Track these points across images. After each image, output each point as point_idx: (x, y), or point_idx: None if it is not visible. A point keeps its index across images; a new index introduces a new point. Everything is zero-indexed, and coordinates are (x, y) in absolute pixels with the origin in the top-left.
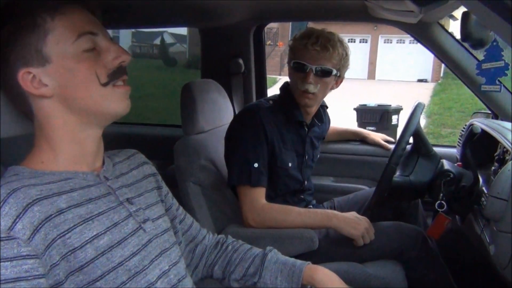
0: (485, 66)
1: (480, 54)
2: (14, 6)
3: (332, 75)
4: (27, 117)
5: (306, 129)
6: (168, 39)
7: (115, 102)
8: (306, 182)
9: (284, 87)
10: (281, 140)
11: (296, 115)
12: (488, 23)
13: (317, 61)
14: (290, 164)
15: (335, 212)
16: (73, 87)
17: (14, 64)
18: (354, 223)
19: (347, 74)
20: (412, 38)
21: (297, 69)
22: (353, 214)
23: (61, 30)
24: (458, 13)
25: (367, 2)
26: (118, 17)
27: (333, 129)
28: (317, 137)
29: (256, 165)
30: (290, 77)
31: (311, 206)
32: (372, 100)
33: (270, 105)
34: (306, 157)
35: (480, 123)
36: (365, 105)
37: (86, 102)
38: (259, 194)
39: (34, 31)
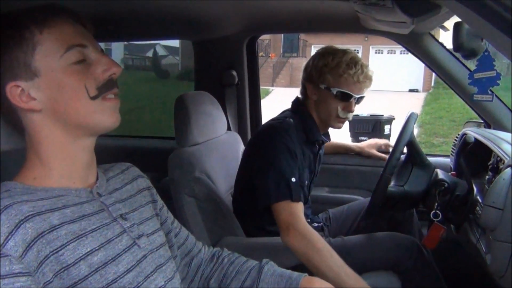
0: (477, 75)
1: (471, 64)
2: (1, 19)
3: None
4: (18, 131)
5: (318, 147)
6: (161, 51)
7: (104, 115)
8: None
9: (298, 104)
10: (303, 158)
11: (317, 136)
12: (481, 32)
13: (360, 91)
14: (306, 182)
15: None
16: (62, 100)
17: (2, 78)
18: None
19: None
20: (403, 49)
21: (340, 97)
22: None
23: (49, 43)
24: (449, 23)
25: (359, 13)
26: (112, 30)
27: (329, 143)
28: (320, 160)
29: (293, 179)
30: (322, 100)
31: (309, 220)
32: (364, 110)
33: (292, 123)
34: (314, 173)
35: (473, 132)
36: (357, 115)
37: (75, 116)
38: (300, 209)
39: (22, 45)
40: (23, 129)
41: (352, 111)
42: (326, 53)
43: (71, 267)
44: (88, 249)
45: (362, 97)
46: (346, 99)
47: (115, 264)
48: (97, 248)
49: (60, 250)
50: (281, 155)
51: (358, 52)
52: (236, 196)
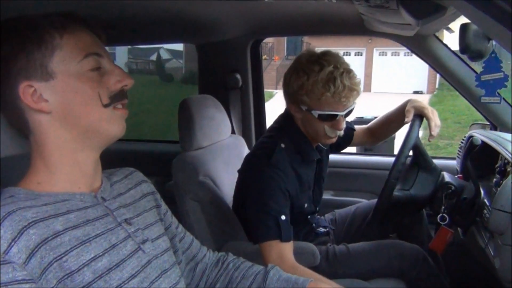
0: (484, 77)
1: (477, 66)
2: (20, 20)
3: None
4: (23, 135)
5: (316, 163)
6: (164, 55)
7: (114, 124)
8: (318, 208)
9: (287, 117)
10: (298, 183)
11: (312, 155)
12: (490, 33)
13: (346, 106)
14: (306, 205)
15: None
16: (75, 105)
17: (16, 76)
18: None
19: None
20: (407, 51)
21: (325, 118)
22: None
23: (68, 48)
24: (454, 25)
25: (363, 16)
26: (116, 33)
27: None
28: (326, 163)
29: (283, 217)
30: (306, 121)
31: (314, 225)
32: (369, 113)
33: (283, 148)
34: (317, 186)
35: (480, 134)
36: (362, 117)
37: (85, 121)
38: (289, 249)
39: (41, 46)
40: (29, 132)
41: (340, 129)
42: (301, 72)
43: (75, 273)
44: (92, 255)
45: (351, 110)
46: (332, 119)
47: (119, 269)
48: (101, 254)
49: (64, 256)
50: (271, 194)
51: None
52: (236, 200)
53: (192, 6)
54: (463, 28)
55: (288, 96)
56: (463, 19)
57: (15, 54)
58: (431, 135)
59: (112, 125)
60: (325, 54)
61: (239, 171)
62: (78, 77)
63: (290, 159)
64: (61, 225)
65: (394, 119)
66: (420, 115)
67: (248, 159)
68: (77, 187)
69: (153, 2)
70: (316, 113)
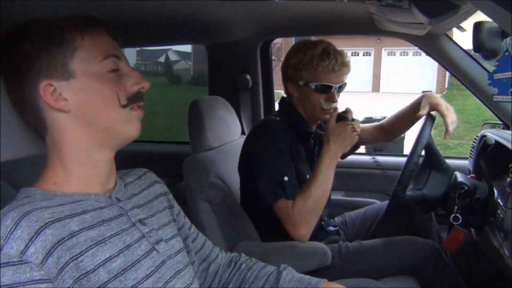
0: (497, 76)
1: (489, 65)
2: (42, 21)
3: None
4: (40, 135)
5: (313, 141)
6: (173, 57)
7: (130, 124)
8: None
9: (284, 102)
10: (296, 152)
11: (306, 128)
12: (508, 28)
13: (339, 79)
14: (308, 176)
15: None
16: (93, 104)
17: (37, 75)
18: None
19: (352, 87)
20: (415, 50)
21: (321, 90)
22: None
23: (89, 49)
24: (465, 24)
25: (374, 15)
26: (127, 35)
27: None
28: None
29: (286, 178)
30: (304, 96)
31: (323, 222)
32: (378, 113)
33: (278, 120)
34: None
35: (494, 134)
36: (371, 117)
37: (103, 121)
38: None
39: (62, 46)
40: (46, 131)
41: (335, 101)
42: (298, 50)
43: (91, 273)
44: (107, 255)
45: (343, 85)
46: (327, 91)
47: (134, 270)
48: (116, 254)
49: (80, 256)
50: (268, 156)
51: (370, 55)
52: (243, 202)
53: (204, 7)
54: (477, 26)
55: (286, 76)
56: (474, 18)
57: (37, 53)
58: (447, 131)
59: (129, 125)
60: (319, 39)
61: (241, 151)
62: (98, 78)
63: (285, 130)
64: (77, 226)
65: (408, 115)
66: (431, 115)
67: (247, 136)
68: (92, 187)
69: (166, 3)
70: (313, 84)
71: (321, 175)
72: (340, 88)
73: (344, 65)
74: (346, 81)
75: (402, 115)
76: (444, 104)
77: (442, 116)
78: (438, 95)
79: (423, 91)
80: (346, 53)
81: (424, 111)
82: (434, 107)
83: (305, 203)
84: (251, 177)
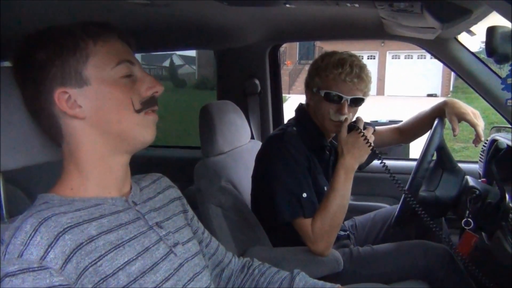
0: (510, 80)
1: (499, 69)
2: (55, 29)
3: (363, 102)
4: (56, 142)
5: (328, 153)
6: (177, 61)
7: (146, 129)
8: None
9: (301, 110)
10: (313, 164)
11: (321, 141)
12: None
13: (352, 92)
14: (325, 188)
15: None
16: (108, 110)
17: (51, 83)
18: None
19: None
20: (420, 54)
21: (330, 99)
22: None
23: (102, 55)
24: (475, 28)
25: (384, 20)
26: (136, 41)
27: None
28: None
29: (304, 195)
30: (315, 105)
31: None
32: (383, 116)
33: (295, 131)
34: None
35: (505, 138)
36: (377, 121)
37: (118, 126)
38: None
39: (76, 53)
40: (61, 138)
41: (343, 114)
42: (321, 56)
43: (110, 277)
44: (126, 259)
45: (358, 99)
46: (337, 101)
47: (153, 273)
48: (134, 257)
49: (99, 261)
50: (287, 171)
51: (374, 58)
52: (254, 207)
53: (212, 14)
54: (490, 31)
55: (305, 81)
56: (486, 22)
57: (51, 61)
58: (479, 140)
59: (143, 130)
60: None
61: (255, 159)
62: (111, 83)
63: (302, 142)
64: (95, 230)
65: (428, 122)
66: (442, 117)
67: (262, 145)
68: (108, 192)
69: (175, 10)
70: (323, 92)
71: (338, 192)
72: (354, 102)
73: (358, 78)
74: (363, 96)
75: (421, 121)
76: (470, 112)
77: (473, 125)
78: (442, 99)
79: (427, 94)
80: (369, 71)
81: (456, 128)
82: (461, 117)
83: (324, 221)
84: (268, 191)
